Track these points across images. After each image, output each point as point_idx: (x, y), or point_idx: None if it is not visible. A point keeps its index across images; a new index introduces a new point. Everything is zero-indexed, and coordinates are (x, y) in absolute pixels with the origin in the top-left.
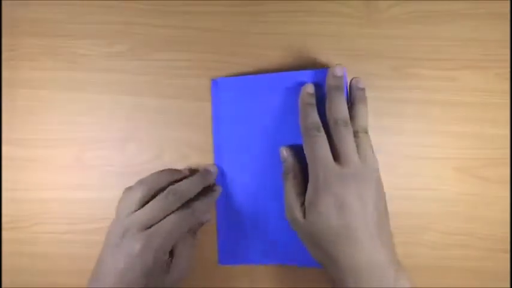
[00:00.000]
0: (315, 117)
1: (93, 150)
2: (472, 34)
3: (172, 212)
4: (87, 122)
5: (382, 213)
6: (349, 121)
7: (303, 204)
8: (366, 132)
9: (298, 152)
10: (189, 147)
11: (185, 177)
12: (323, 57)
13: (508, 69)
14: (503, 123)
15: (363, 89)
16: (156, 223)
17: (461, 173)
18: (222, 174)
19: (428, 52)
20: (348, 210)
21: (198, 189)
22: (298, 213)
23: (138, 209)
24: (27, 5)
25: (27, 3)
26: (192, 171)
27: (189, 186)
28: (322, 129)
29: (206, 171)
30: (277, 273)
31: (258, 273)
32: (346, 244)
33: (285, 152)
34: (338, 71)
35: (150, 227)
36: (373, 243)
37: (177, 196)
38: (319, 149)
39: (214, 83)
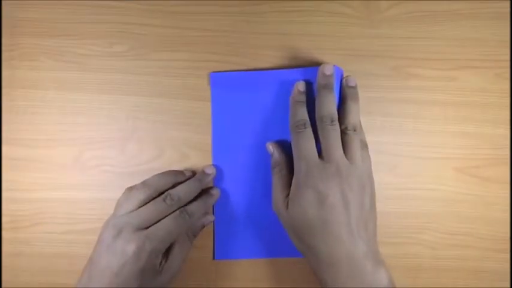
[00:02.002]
0: (303, 114)
1: (93, 150)
2: (472, 34)
3: (169, 214)
4: (87, 122)
5: (367, 211)
6: (335, 119)
7: (287, 196)
8: (355, 130)
9: (287, 147)
10: (189, 147)
11: (187, 179)
12: (323, 57)
13: (508, 69)
14: (503, 123)
15: (355, 87)
16: (151, 225)
17: (461, 173)
18: (219, 170)
19: (428, 52)
20: (327, 205)
21: (196, 192)
22: (282, 206)
23: (136, 209)
24: (27, 5)
25: (27, 3)
26: (194, 173)
27: (187, 191)
28: (309, 125)
29: (204, 174)
30: (276, 272)
31: (257, 272)
32: (325, 238)
33: (271, 147)
34: (327, 70)
35: (145, 229)
36: (353, 239)
37: (174, 201)
38: (303, 144)
39: (213, 76)
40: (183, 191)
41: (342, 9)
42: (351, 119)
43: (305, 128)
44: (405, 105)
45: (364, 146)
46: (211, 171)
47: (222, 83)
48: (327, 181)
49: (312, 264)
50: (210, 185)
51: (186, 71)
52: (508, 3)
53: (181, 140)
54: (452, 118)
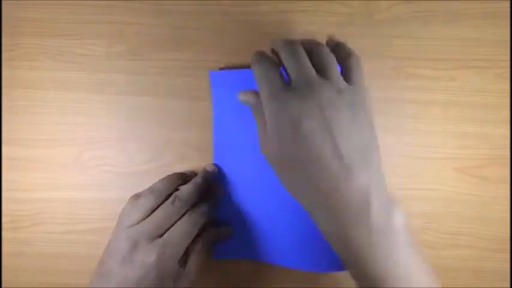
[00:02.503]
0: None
1: (93, 150)
2: (472, 34)
3: (181, 217)
4: (87, 122)
5: (364, 133)
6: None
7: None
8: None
9: None
10: (189, 147)
11: (189, 179)
12: None
13: (508, 69)
14: (503, 123)
15: (340, 43)
16: (165, 231)
17: (461, 173)
18: (220, 169)
19: (428, 52)
20: (304, 132)
21: (201, 191)
22: (264, 145)
23: (145, 218)
24: (27, 5)
25: (27, 3)
26: (195, 174)
27: (192, 190)
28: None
29: (206, 172)
30: (277, 272)
31: (258, 272)
32: (312, 173)
33: (243, 95)
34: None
35: (159, 237)
36: (347, 170)
37: (183, 202)
38: (263, 72)
39: (212, 74)
40: (189, 191)
41: (342, 9)
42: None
43: (265, 57)
44: (405, 105)
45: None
46: (211, 168)
47: (222, 81)
48: (297, 103)
49: (306, 207)
50: (213, 183)
51: (186, 71)
52: (508, 3)
53: (181, 140)
54: (452, 118)
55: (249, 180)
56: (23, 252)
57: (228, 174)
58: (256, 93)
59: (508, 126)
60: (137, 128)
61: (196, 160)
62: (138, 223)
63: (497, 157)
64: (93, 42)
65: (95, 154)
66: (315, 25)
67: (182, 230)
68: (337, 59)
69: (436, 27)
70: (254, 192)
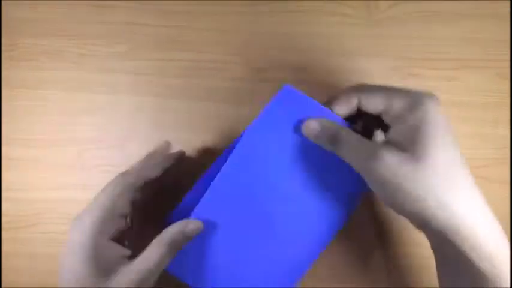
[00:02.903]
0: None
1: (93, 150)
2: (472, 34)
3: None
4: (87, 122)
5: None
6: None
7: (376, 146)
8: None
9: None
10: (189, 147)
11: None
12: (323, 57)
13: (508, 69)
14: (503, 123)
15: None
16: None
17: None
18: (223, 186)
19: (428, 52)
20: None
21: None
22: (379, 155)
23: None
24: (27, 5)
25: (27, 3)
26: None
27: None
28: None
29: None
30: None
31: None
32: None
33: (312, 123)
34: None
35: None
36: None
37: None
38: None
39: (286, 89)
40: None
41: (342, 9)
42: None
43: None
44: None
45: None
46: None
47: (289, 100)
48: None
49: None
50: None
51: (186, 71)
52: (508, 3)
53: (181, 140)
54: (453, 118)
55: (240, 219)
56: (23, 252)
57: (228, 197)
58: (336, 123)
59: (508, 126)
60: (137, 128)
61: (196, 160)
62: None
63: (497, 157)
64: (93, 42)
65: (95, 154)
66: (315, 25)
67: (104, 189)
68: None
69: (436, 27)
70: (235, 234)
